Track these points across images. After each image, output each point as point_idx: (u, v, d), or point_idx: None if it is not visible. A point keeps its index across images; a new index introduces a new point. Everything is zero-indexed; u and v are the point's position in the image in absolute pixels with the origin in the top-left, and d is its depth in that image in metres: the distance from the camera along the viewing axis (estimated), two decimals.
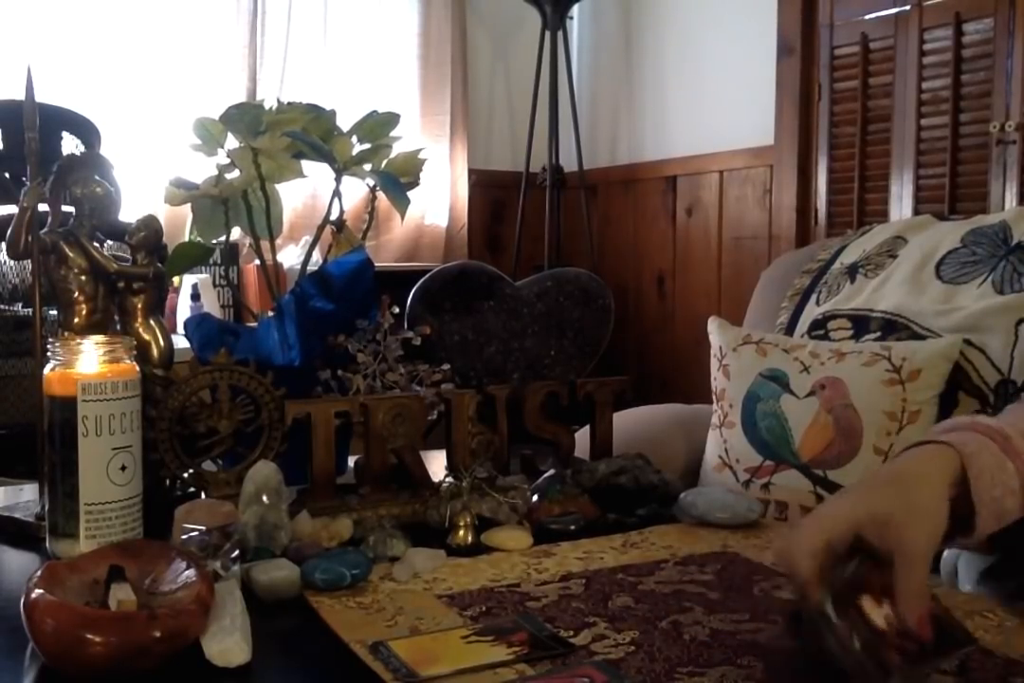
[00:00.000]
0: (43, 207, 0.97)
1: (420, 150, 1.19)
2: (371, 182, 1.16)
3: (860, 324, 1.50)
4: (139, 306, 1.01)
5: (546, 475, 1.01)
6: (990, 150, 2.25)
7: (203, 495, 0.97)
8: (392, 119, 1.16)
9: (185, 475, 0.97)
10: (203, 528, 0.78)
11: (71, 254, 0.96)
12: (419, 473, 0.99)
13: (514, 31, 3.56)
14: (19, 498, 1.04)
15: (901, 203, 2.45)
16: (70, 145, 2.07)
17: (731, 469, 1.47)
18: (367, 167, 1.16)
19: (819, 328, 1.56)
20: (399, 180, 1.14)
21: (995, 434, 0.71)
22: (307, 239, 2.71)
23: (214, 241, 1.16)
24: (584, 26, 3.64)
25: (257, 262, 1.33)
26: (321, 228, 1.19)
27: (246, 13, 3.05)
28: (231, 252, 2.56)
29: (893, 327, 1.46)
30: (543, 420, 1.07)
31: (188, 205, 1.14)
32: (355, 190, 1.85)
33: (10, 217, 0.96)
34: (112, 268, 0.98)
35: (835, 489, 1.35)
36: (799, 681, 0.61)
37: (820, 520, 0.64)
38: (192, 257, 1.16)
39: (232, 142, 1.14)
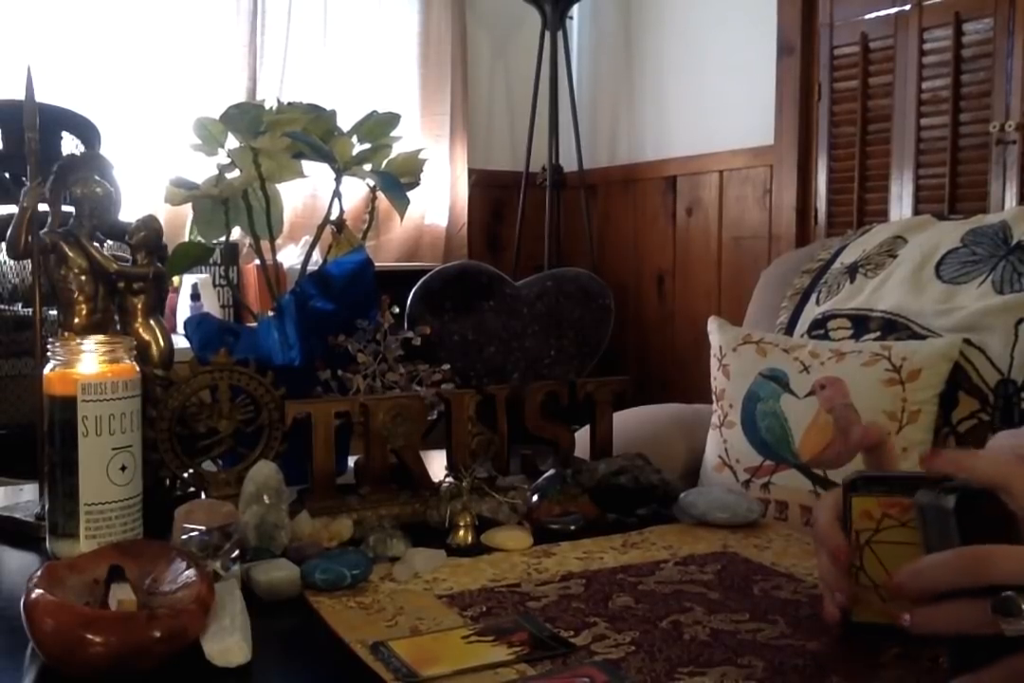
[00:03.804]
0: (43, 207, 0.97)
1: (420, 150, 1.19)
2: (371, 182, 1.16)
3: (860, 324, 1.50)
4: (139, 306, 1.01)
5: (546, 475, 1.01)
6: (990, 150, 2.25)
7: (203, 495, 0.97)
8: (392, 119, 1.16)
9: (185, 475, 0.98)
10: (203, 528, 0.78)
11: (71, 254, 0.96)
12: (419, 473, 0.99)
13: (514, 31, 3.56)
14: (19, 498, 1.04)
15: (901, 203, 2.45)
16: (70, 145, 2.07)
17: (731, 469, 1.47)
18: (367, 167, 1.16)
19: (819, 328, 1.56)
20: (399, 180, 1.14)
21: None
22: (307, 239, 2.71)
23: (214, 241, 1.16)
24: (584, 26, 3.64)
25: (257, 262, 1.33)
26: (321, 228, 1.19)
27: (246, 13, 3.05)
28: (231, 252, 2.56)
29: (893, 327, 1.46)
30: (543, 420, 1.07)
31: (188, 205, 1.14)
32: (355, 190, 1.85)
33: (10, 217, 0.96)
34: (112, 268, 0.98)
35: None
36: None
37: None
38: (192, 257, 1.16)
39: (232, 142, 1.14)
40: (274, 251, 1.18)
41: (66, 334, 0.96)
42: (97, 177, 0.99)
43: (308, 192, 3.05)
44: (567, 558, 0.87)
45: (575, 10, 3.47)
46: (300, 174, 1.16)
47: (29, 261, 0.96)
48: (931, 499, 0.60)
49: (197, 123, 1.13)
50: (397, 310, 1.10)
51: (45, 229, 0.97)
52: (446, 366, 1.09)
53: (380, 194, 1.16)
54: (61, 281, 0.97)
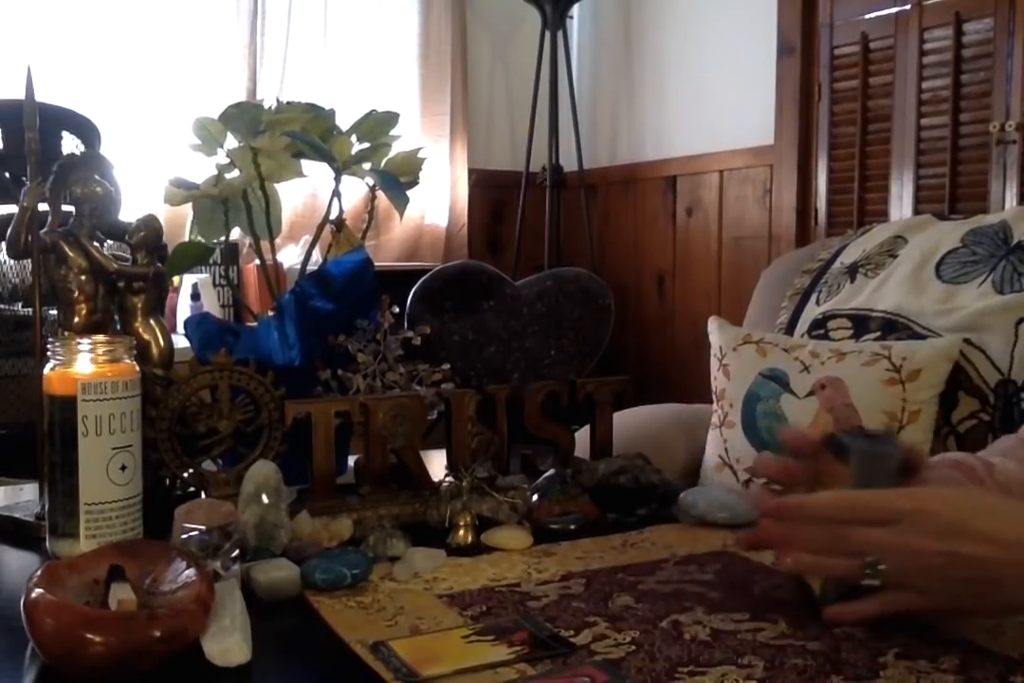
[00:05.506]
0: (43, 207, 0.97)
1: (419, 149, 1.19)
2: (371, 181, 1.16)
3: (860, 324, 1.50)
4: (139, 306, 1.01)
5: (546, 475, 1.01)
6: (990, 150, 2.25)
7: (203, 495, 0.97)
8: (391, 118, 1.16)
9: (185, 475, 0.97)
10: (203, 528, 0.78)
11: (71, 254, 0.96)
12: (419, 473, 0.99)
13: (514, 31, 3.56)
14: (19, 498, 1.04)
15: (901, 203, 2.45)
16: (70, 145, 2.07)
17: (731, 469, 1.47)
18: (366, 166, 1.16)
19: (819, 328, 1.56)
20: (398, 179, 1.14)
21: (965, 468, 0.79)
22: (307, 239, 2.71)
23: (214, 241, 1.16)
24: (584, 26, 3.64)
25: (257, 262, 1.33)
26: (321, 228, 1.19)
27: (246, 13, 3.05)
28: (231, 252, 2.56)
29: (893, 327, 1.46)
30: (543, 420, 1.07)
31: (188, 205, 1.14)
32: (355, 190, 1.85)
33: (10, 217, 0.96)
34: (112, 268, 0.98)
35: None
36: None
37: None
38: (192, 257, 1.16)
39: (232, 142, 1.14)
40: (274, 251, 1.18)
41: (66, 334, 0.96)
42: (97, 177, 0.99)
43: (308, 192, 3.05)
44: (567, 558, 0.87)
45: (575, 10, 3.47)
46: (299, 174, 1.16)
47: (29, 261, 0.96)
48: (866, 447, 0.73)
49: (197, 123, 1.13)
50: (397, 310, 1.10)
51: (45, 229, 0.97)
52: (446, 366, 1.09)
53: (380, 193, 1.16)
54: (61, 281, 0.97)
